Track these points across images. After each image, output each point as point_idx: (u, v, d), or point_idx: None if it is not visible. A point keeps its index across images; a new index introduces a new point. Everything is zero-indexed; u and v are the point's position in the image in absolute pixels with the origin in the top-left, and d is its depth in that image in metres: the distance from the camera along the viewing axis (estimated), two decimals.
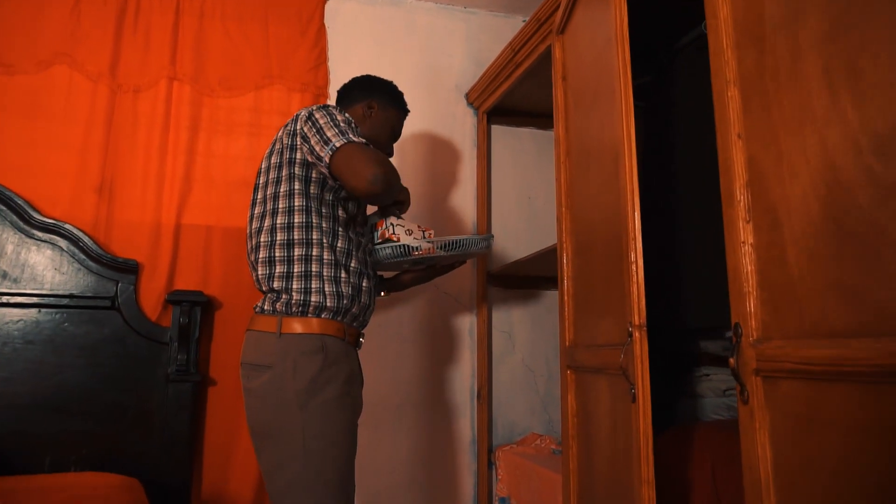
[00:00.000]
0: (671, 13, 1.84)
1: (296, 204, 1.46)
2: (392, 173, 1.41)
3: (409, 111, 1.77)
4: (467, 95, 2.56)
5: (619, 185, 1.23)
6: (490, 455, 2.32)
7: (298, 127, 1.47)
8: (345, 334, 1.48)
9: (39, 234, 2.01)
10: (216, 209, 2.21)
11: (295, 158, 1.47)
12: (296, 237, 1.46)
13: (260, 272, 1.48)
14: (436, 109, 2.55)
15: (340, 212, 1.52)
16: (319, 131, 1.42)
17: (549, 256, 1.95)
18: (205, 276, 2.16)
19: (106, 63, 2.19)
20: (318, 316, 1.44)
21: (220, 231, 2.20)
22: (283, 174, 1.48)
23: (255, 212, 1.54)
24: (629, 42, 1.35)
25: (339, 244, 1.50)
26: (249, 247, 1.54)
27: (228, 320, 2.16)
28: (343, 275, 1.48)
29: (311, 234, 1.46)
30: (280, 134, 1.54)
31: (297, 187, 1.47)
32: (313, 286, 1.44)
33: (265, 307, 1.46)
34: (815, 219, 0.96)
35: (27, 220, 2.00)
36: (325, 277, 1.45)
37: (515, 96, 2.36)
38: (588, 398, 1.51)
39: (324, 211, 1.49)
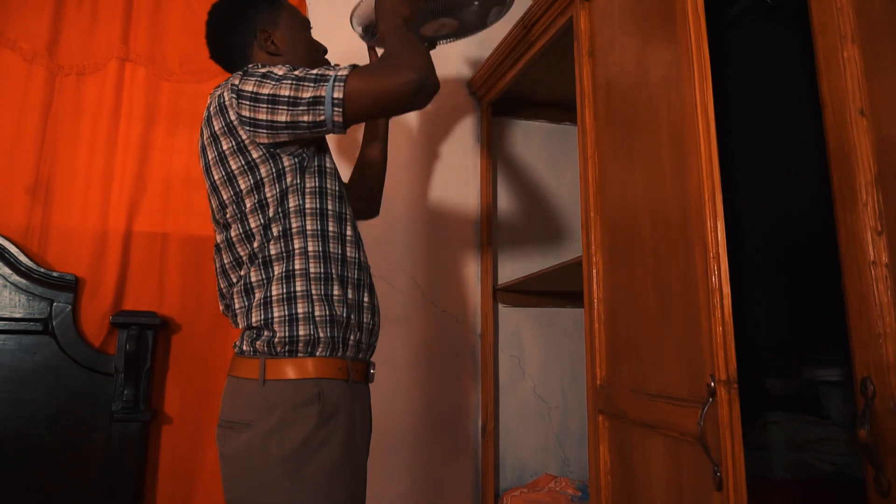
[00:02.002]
0: None
1: (269, 217, 1.14)
2: (410, 55, 1.13)
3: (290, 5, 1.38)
4: (470, 84, 2.23)
5: (689, 175, 0.90)
6: (497, 500, 1.98)
7: (233, 118, 1.12)
8: (348, 373, 1.15)
9: None
10: (174, 213, 1.87)
11: (251, 160, 1.13)
12: (272, 252, 1.14)
13: (237, 305, 1.18)
14: (434, 101, 2.22)
15: (329, 203, 1.18)
16: (290, 102, 1.08)
17: (569, 271, 1.62)
18: (160, 293, 1.82)
19: (43, 40, 1.85)
20: (312, 354, 1.12)
21: (178, 239, 1.86)
22: (241, 187, 1.14)
23: (220, 236, 1.22)
24: None
25: (330, 248, 1.16)
26: (219, 266, 1.24)
27: (187, 345, 1.83)
28: (337, 291, 1.15)
29: (292, 244, 1.14)
30: (206, 137, 1.18)
31: (265, 195, 1.13)
32: (299, 311, 1.11)
33: (244, 347, 1.16)
34: None
35: None
36: (313, 297, 1.13)
37: (525, 84, 2.04)
38: (632, 456, 1.18)
39: (307, 206, 1.15)
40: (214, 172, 1.16)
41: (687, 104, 0.92)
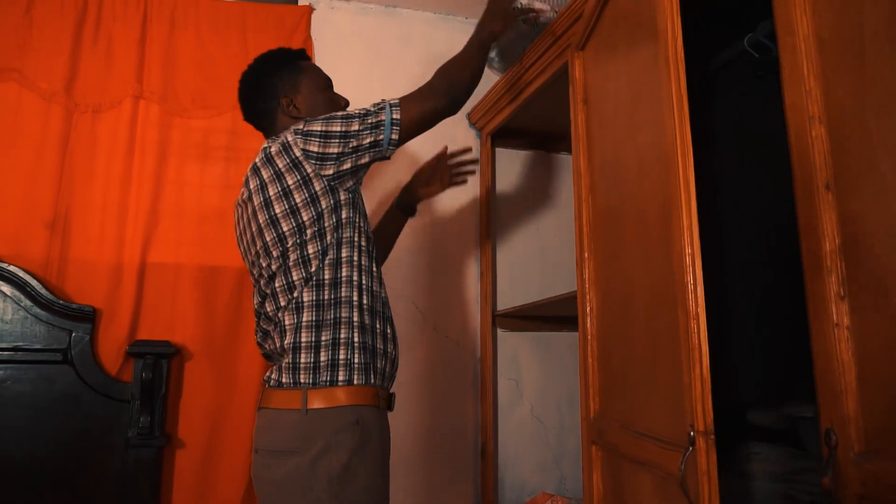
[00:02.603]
0: (712, 24, 1.61)
1: (326, 245, 1.27)
2: (448, 77, 1.40)
3: (307, 57, 1.55)
4: (469, 115, 2.32)
5: (673, 241, 0.98)
6: None
7: (298, 154, 1.25)
8: (378, 400, 1.27)
9: None
10: (187, 245, 1.96)
11: (314, 192, 1.26)
12: (326, 277, 1.26)
13: (279, 342, 1.27)
14: (434, 130, 2.29)
15: (363, 239, 1.32)
16: (357, 129, 1.28)
17: (565, 303, 1.70)
18: (172, 322, 1.90)
19: (61, 79, 1.93)
20: (350, 382, 1.23)
21: (190, 270, 1.94)
22: (304, 218, 1.25)
23: (275, 263, 1.29)
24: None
25: (374, 287, 1.32)
26: (264, 293, 1.33)
27: (199, 372, 1.90)
28: (369, 320, 1.29)
29: (341, 271, 1.27)
30: (253, 186, 1.30)
31: (324, 225, 1.27)
32: (341, 337, 1.24)
33: (283, 380, 1.24)
34: None
35: None
36: (354, 324, 1.26)
37: (524, 116, 2.12)
38: (623, 487, 1.26)
39: (354, 239, 1.30)
40: (276, 207, 1.26)
41: (671, 177, 1.00)
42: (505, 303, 2.23)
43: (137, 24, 2.02)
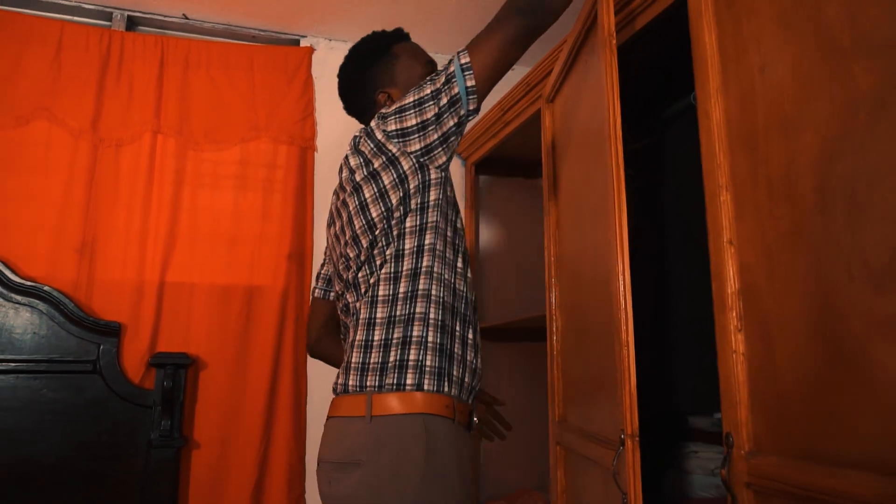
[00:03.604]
0: (664, 81, 1.85)
1: (407, 230, 1.17)
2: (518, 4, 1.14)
3: (404, 36, 1.44)
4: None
5: (613, 277, 1.22)
6: None
7: (380, 137, 1.17)
8: (454, 412, 1.13)
9: (18, 297, 1.96)
10: (200, 266, 2.18)
11: (402, 172, 1.16)
12: (402, 290, 1.15)
13: (351, 335, 1.20)
14: None
15: (449, 229, 1.21)
16: (420, 120, 1.14)
17: (538, 320, 1.94)
18: (188, 335, 2.12)
19: (87, 117, 2.15)
20: (419, 388, 1.10)
21: (204, 288, 2.17)
22: (392, 201, 1.16)
23: (352, 250, 1.22)
24: (624, 109, 1.34)
25: (457, 283, 1.20)
26: (343, 305, 1.26)
27: (213, 380, 2.13)
28: (448, 320, 1.16)
29: (418, 284, 1.15)
30: (343, 178, 1.24)
31: (410, 207, 1.16)
32: (412, 348, 1.12)
33: (349, 383, 1.15)
34: (807, 340, 0.96)
35: (5, 283, 1.95)
36: (430, 320, 1.14)
37: (505, 149, 2.36)
38: (578, 483, 1.50)
39: (429, 242, 1.17)
40: (365, 191, 1.18)
41: (611, 226, 1.23)
42: (491, 319, 2.46)
43: (156, 65, 2.24)
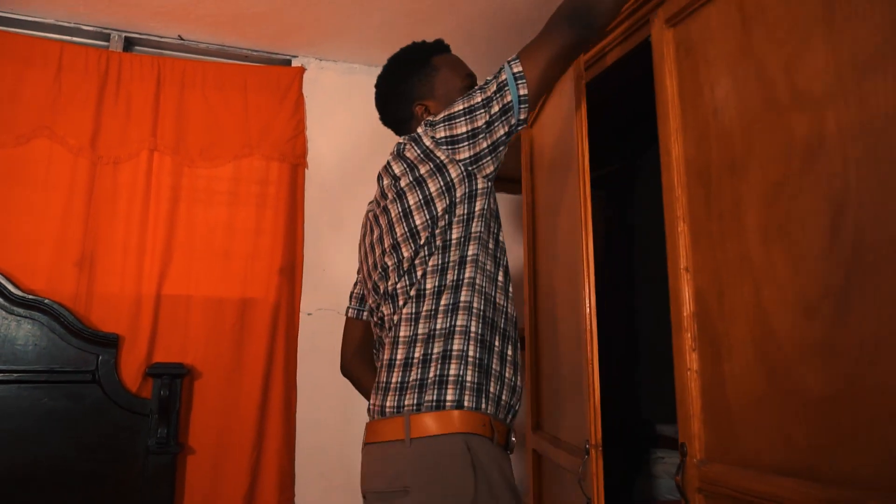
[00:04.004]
0: (637, 109, 1.96)
1: (453, 241, 1.13)
2: (571, 4, 1.14)
3: (444, 48, 1.40)
4: None
5: (581, 308, 1.33)
6: None
7: (428, 144, 1.14)
8: (492, 431, 1.09)
9: (20, 310, 2.04)
10: (196, 279, 2.27)
11: (450, 180, 1.13)
12: (444, 302, 1.11)
13: (388, 353, 1.14)
14: None
15: (491, 241, 1.19)
16: (471, 127, 1.11)
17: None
18: (184, 345, 2.21)
19: (87, 135, 2.23)
20: (459, 406, 1.06)
21: (200, 300, 2.25)
22: (438, 209, 1.13)
23: (391, 259, 1.17)
24: (599, 134, 1.44)
25: (497, 297, 1.17)
26: (378, 319, 1.22)
27: (208, 389, 2.21)
28: (497, 342, 1.14)
29: (460, 295, 1.11)
30: (384, 186, 1.20)
31: (456, 216, 1.13)
32: (452, 362, 1.08)
33: (386, 405, 1.10)
34: (750, 362, 1.08)
35: (7, 296, 2.03)
36: (469, 356, 1.10)
37: None
38: (551, 485, 1.61)
39: (472, 253, 1.14)
40: (409, 198, 1.14)
41: (579, 255, 1.34)
42: None
43: (152, 85, 2.32)
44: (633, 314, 1.76)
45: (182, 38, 2.42)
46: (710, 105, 1.22)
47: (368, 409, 1.18)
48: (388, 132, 2.55)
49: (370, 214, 1.31)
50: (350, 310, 1.47)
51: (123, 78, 2.31)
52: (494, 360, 1.12)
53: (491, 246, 1.19)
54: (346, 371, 1.46)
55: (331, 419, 2.34)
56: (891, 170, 0.85)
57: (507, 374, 1.14)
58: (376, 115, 2.59)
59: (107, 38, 2.37)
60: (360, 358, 1.42)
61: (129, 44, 2.41)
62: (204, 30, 2.38)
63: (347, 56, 2.59)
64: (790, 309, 1.00)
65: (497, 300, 1.17)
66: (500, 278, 1.19)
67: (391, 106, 1.36)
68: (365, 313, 1.43)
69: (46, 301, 2.06)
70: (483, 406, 1.09)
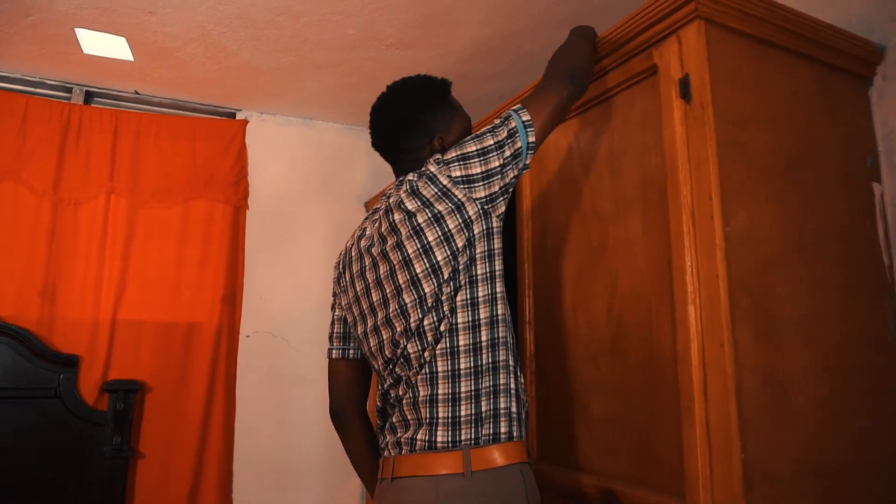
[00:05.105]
0: None
1: (478, 277, 1.17)
2: (563, 64, 1.31)
3: (448, 83, 1.39)
4: (366, 205, 3.08)
5: None
6: None
7: (445, 182, 1.17)
8: (529, 455, 1.17)
9: None
10: (148, 306, 2.60)
11: (468, 217, 1.16)
12: (484, 338, 1.14)
13: (422, 393, 1.13)
14: (339, 216, 3.05)
15: (498, 262, 1.21)
16: (485, 168, 1.18)
17: None
18: (136, 364, 2.55)
19: (50, 179, 2.53)
20: (510, 438, 1.11)
21: (151, 325, 2.60)
22: (458, 244, 1.15)
23: (413, 323, 1.16)
24: None
25: (508, 318, 1.21)
26: (392, 355, 1.20)
27: (158, 402, 2.56)
28: (520, 371, 1.20)
29: (497, 332, 1.16)
30: (384, 227, 1.22)
31: (475, 253, 1.17)
32: (501, 397, 1.13)
33: (437, 440, 1.09)
34: (562, 390, 1.56)
35: None
36: (511, 389, 1.15)
37: None
38: None
39: (500, 291, 1.19)
40: (428, 234, 1.15)
41: None
42: None
43: (110, 135, 2.65)
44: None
45: (138, 93, 2.75)
46: (549, 208, 1.70)
47: (390, 445, 1.17)
48: (319, 177, 2.95)
49: (368, 249, 1.27)
50: (333, 350, 1.41)
51: (84, 128, 2.62)
52: (522, 389, 1.19)
53: (501, 281, 1.23)
54: (336, 413, 1.39)
55: (265, 428, 2.73)
56: (639, 272, 1.34)
57: (524, 398, 1.20)
58: (310, 162, 3.02)
59: (69, 90, 2.67)
60: (359, 417, 1.39)
61: (88, 96, 2.72)
62: (158, 88, 2.71)
63: (285, 111, 2.98)
64: (583, 358, 1.49)
65: (515, 331, 1.28)
66: (509, 312, 1.25)
67: (410, 133, 1.31)
68: (351, 351, 1.39)
69: (13, 326, 2.36)
70: (524, 434, 1.16)
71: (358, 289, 1.30)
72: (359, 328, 1.31)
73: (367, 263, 1.27)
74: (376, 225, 1.26)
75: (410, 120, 1.31)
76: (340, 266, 1.39)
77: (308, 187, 2.97)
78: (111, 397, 2.44)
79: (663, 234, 1.28)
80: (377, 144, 1.39)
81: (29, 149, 2.53)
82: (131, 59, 2.43)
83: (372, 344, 1.26)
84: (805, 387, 1.23)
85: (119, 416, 2.42)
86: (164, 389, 2.58)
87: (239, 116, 2.93)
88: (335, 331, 1.42)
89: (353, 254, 1.33)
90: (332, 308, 1.44)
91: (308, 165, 3.03)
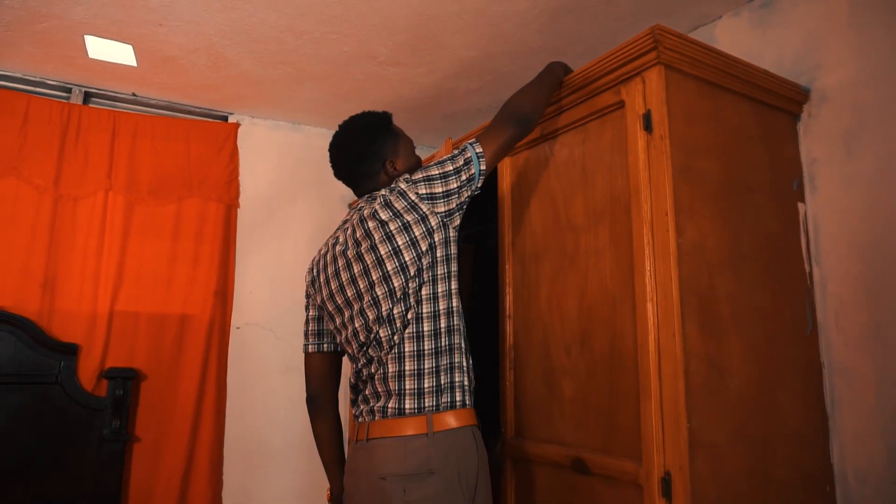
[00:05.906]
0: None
1: (438, 275, 1.44)
2: (516, 107, 1.58)
3: (389, 115, 1.65)
4: (350, 206, 3.26)
5: None
6: None
7: (413, 198, 1.43)
8: (476, 419, 1.46)
9: None
10: (143, 298, 2.74)
11: (430, 227, 1.43)
12: (443, 325, 1.43)
13: (391, 369, 1.40)
14: (325, 216, 3.24)
15: (454, 264, 1.50)
16: (446, 188, 1.45)
17: None
18: (132, 353, 2.68)
19: (50, 176, 2.64)
20: (465, 405, 1.42)
21: (146, 316, 2.73)
22: (422, 247, 1.42)
23: (385, 311, 1.42)
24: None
25: (463, 322, 1.50)
26: (365, 339, 1.45)
27: (152, 389, 2.70)
28: (468, 353, 1.49)
29: (453, 320, 1.45)
30: (359, 234, 1.46)
31: (438, 257, 1.44)
32: (456, 372, 1.43)
33: (405, 407, 1.37)
34: (537, 376, 1.80)
35: None
36: (463, 365, 1.45)
37: None
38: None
39: (455, 287, 1.48)
40: (398, 239, 1.41)
41: None
42: None
43: (108, 135, 2.77)
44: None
45: (135, 95, 2.88)
46: (528, 215, 1.94)
47: (364, 413, 1.44)
48: (306, 178, 3.12)
49: (343, 253, 1.50)
50: (309, 346, 1.65)
51: (83, 127, 2.74)
52: (471, 367, 1.49)
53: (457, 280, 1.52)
54: (312, 399, 1.64)
55: (254, 414, 2.90)
56: (606, 274, 1.59)
57: (473, 377, 1.50)
58: (298, 164, 3.19)
59: (68, 91, 2.78)
60: (329, 405, 1.64)
61: (87, 97, 2.83)
62: (155, 90, 2.85)
63: (275, 115, 3.14)
64: (559, 348, 1.73)
65: (465, 322, 1.54)
66: (461, 304, 1.53)
67: (364, 162, 1.55)
68: (325, 346, 1.64)
69: (15, 316, 2.48)
70: (472, 402, 1.45)
71: (333, 287, 1.52)
72: (336, 320, 1.54)
73: (341, 265, 1.50)
74: (349, 232, 1.50)
75: (362, 152, 1.56)
76: (314, 271, 1.62)
77: (296, 188, 3.14)
78: (110, 384, 2.57)
79: (627, 243, 1.53)
80: (339, 175, 1.62)
81: (30, 146, 2.64)
82: (135, 64, 2.56)
83: (349, 331, 1.49)
84: (739, 370, 1.49)
85: (118, 402, 2.56)
86: (159, 377, 2.72)
87: (231, 120, 3.08)
88: (310, 328, 1.66)
89: (328, 258, 1.56)
90: (306, 308, 1.68)
91: (296, 167, 3.20)
